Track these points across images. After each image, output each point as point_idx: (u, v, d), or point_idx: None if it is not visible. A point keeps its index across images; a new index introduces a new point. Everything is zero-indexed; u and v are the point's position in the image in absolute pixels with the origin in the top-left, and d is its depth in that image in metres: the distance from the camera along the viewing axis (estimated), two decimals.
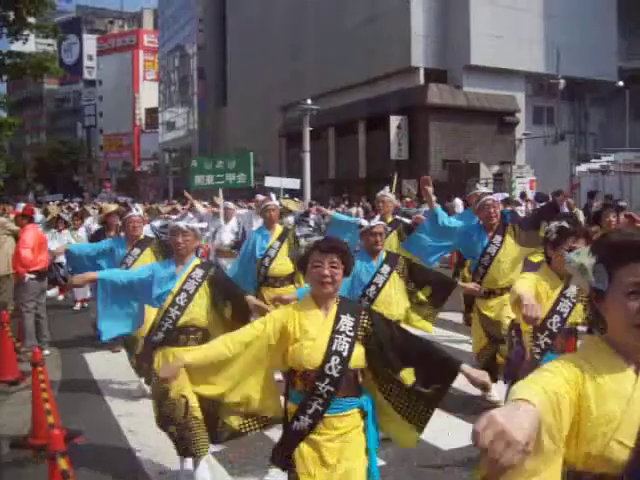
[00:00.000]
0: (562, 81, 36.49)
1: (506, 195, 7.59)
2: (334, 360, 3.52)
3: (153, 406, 5.38)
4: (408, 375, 3.59)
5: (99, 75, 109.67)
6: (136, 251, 7.76)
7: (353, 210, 26.91)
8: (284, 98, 51.19)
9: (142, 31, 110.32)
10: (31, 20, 27.50)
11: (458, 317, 10.85)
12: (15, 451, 6.28)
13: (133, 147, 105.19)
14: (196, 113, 79.89)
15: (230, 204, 13.75)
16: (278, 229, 8.65)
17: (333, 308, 3.69)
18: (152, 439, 6.55)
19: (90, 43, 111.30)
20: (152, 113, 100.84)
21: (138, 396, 7.73)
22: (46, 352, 9.64)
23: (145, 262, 7.43)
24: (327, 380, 3.50)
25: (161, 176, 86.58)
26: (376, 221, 6.18)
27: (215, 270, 5.55)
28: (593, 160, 36.76)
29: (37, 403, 6.01)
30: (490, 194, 7.71)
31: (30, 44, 32.24)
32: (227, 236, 11.89)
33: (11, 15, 26.59)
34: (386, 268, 6.13)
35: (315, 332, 3.59)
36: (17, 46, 28.23)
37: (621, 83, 40.60)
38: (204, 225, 6.00)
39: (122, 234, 8.51)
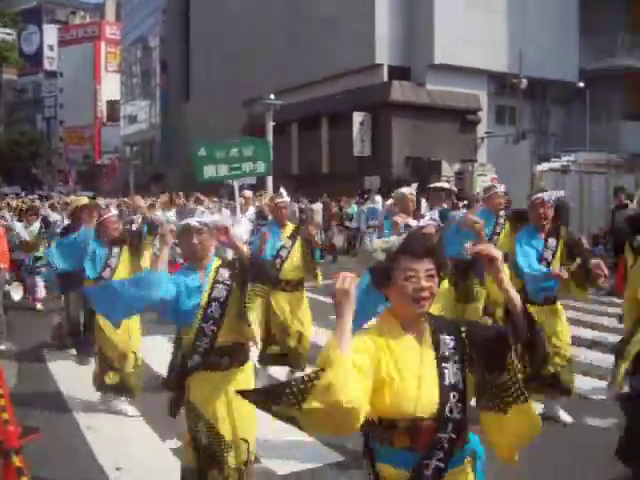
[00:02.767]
0: (524, 81, 36.78)
1: (560, 194, 6.96)
2: (453, 398, 2.70)
3: (187, 450, 4.51)
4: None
5: (60, 66, 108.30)
6: (116, 250, 7.23)
7: (314, 206, 26.79)
8: (248, 93, 50.97)
9: (104, 22, 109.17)
10: None
11: None
12: None
13: (94, 140, 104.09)
14: (158, 106, 79.25)
15: (247, 192, 13.14)
16: (289, 227, 8.11)
17: (425, 329, 2.82)
18: (109, 435, 6.50)
19: (51, 33, 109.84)
20: (114, 105, 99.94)
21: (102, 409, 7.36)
22: (2, 347, 9.47)
23: (125, 262, 7.21)
24: (450, 426, 2.67)
25: (122, 169, 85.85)
26: (426, 221, 5.51)
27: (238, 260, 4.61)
28: (554, 159, 37.14)
29: None
30: (543, 192, 6.93)
31: None
32: (245, 231, 11.03)
33: None
34: None
35: (416, 366, 2.72)
36: None
37: (582, 84, 41.06)
38: (217, 218, 5.38)
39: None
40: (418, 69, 40.63)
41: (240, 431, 4.43)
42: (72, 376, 8.51)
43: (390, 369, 2.66)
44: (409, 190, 8.31)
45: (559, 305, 6.76)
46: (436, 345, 2.78)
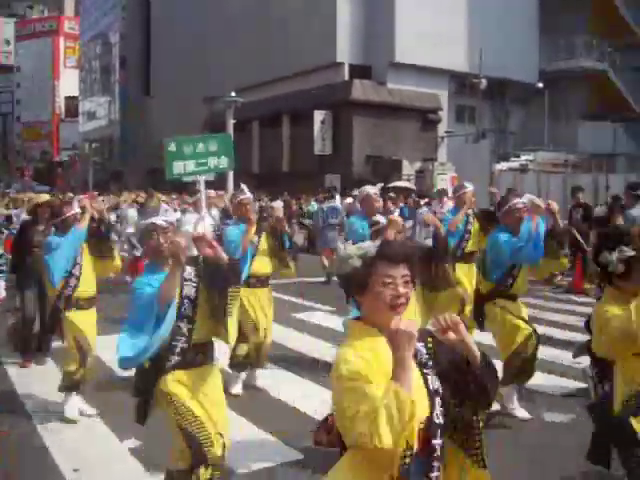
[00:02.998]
0: (484, 81, 37.09)
1: (533, 197, 7.08)
2: (438, 403, 2.64)
3: (177, 443, 4.36)
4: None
5: (17, 61, 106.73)
6: (79, 249, 7.00)
7: (275, 204, 26.73)
8: (209, 90, 50.71)
9: (63, 17, 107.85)
10: None
11: None
12: None
13: (52, 136, 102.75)
14: (118, 103, 78.50)
15: (212, 192, 12.98)
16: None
17: None
18: (67, 435, 6.40)
19: (8, 27, 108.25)
20: (72, 101, 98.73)
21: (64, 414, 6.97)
22: None
23: (87, 260, 7.00)
24: (438, 432, 2.61)
25: (81, 166, 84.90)
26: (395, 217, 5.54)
27: (202, 259, 4.50)
28: (513, 159, 37.55)
29: None
30: (517, 195, 7.02)
31: None
32: (209, 229, 10.81)
33: None
34: None
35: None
36: None
37: (541, 84, 41.52)
38: (178, 216, 5.04)
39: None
40: (379, 68, 40.75)
41: (219, 426, 4.44)
42: (29, 377, 8.37)
43: (386, 379, 2.50)
44: (374, 190, 8.17)
45: (520, 302, 6.89)
46: (414, 352, 2.65)
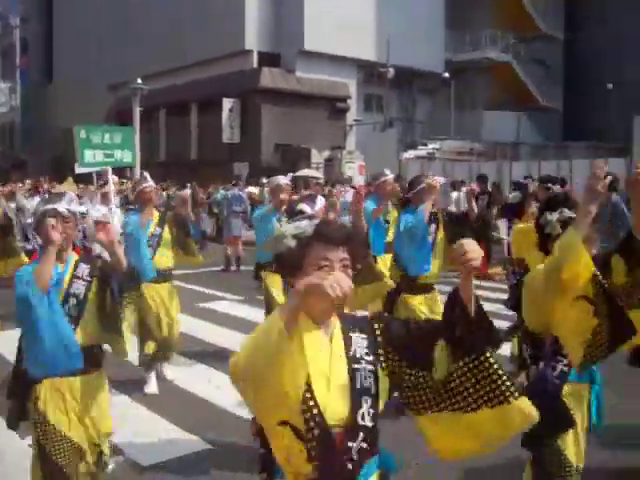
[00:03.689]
0: (391, 70, 37.47)
1: (444, 180, 6.82)
2: (365, 403, 2.39)
3: (38, 458, 4.02)
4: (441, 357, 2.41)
5: None
6: None
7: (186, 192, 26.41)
8: (115, 76, 49.66)
9: None
10: None
11: None
12: None
13: None
14: (19, 89, 76.09)
15: (116, 178, 12.67)
16: (156, 215, 7.56)
17: (335, 324, 2.50)
18: None
19: None
20: None
21: None
22: None
23: None
24: (361, 435, 2.36)
25: None
26: (319, 206, 5.43)
27: (102, 262, 4.20)
28: (420, 147, 38.17)
29: None
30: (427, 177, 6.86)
31: None
32: (118, 223, 10.39)
33: None
34: None
35: (326, 365, 2.40)
36: None
37: (447, 75, 42.22)
38: (84, 209, 4.70)
39: None
40: (288, 56, 40.71)
41: (100, 432, 4.14)
42: None
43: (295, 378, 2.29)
44: (284, 180, 7.96)
45: (436, 293, 6.78)
46: (347, 344, 2.46)
